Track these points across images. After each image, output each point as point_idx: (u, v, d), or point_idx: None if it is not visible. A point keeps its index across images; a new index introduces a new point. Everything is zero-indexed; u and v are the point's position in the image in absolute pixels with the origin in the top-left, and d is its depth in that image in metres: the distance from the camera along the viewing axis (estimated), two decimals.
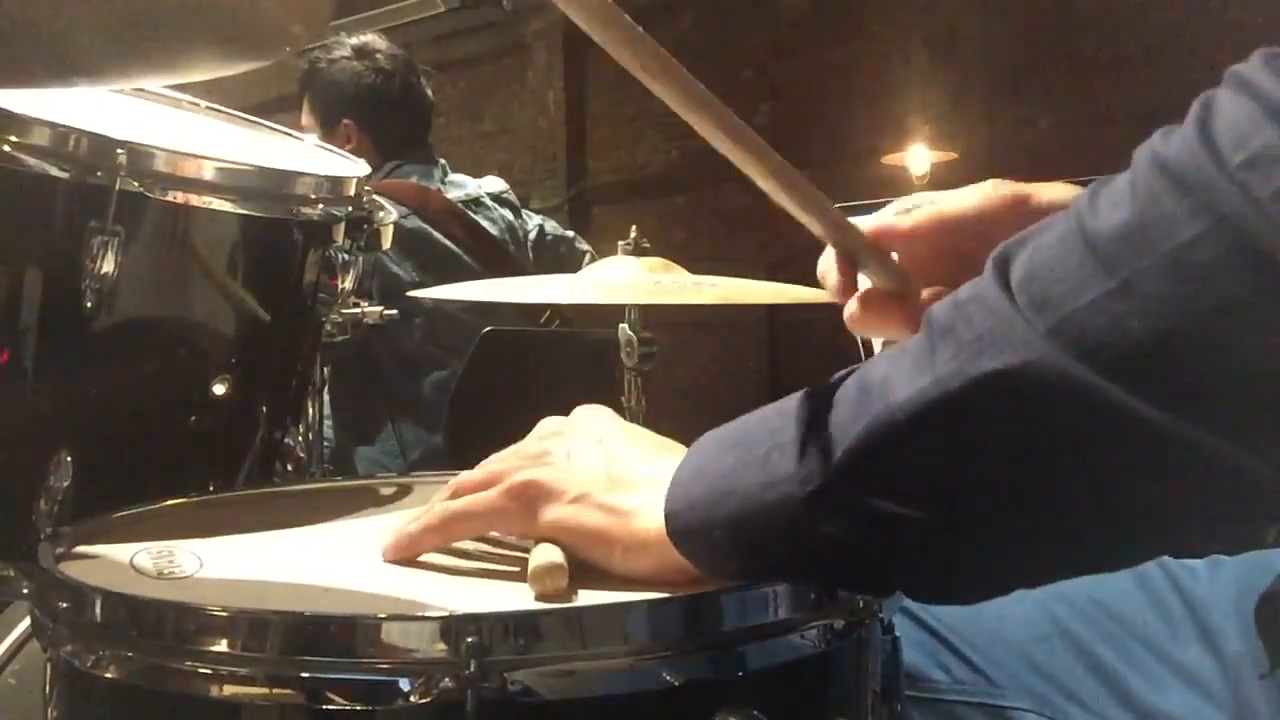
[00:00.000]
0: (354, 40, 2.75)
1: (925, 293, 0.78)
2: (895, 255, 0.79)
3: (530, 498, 0.73)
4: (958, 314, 0.58)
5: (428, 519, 0.77)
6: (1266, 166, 0.50)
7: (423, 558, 0.77)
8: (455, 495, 0.78)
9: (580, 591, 0.69)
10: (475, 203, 2.69)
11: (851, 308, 0.79)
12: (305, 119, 2.72)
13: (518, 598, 0.68)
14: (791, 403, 0.64)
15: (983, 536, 0.59)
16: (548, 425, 0.80)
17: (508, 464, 0.76)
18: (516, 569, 0.72)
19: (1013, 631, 0.90)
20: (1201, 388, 0.52)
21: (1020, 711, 0.87)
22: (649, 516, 0.68)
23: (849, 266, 0.79)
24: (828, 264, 0.80)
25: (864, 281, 0.80)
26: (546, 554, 0.70)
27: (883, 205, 0.83)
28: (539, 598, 0.68)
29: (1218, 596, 0.89)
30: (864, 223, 0.79)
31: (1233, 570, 0.90)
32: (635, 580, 0.69)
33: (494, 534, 0.78)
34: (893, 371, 0.59)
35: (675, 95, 0.66)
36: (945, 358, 0.57)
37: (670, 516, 0.67)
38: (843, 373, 0.63)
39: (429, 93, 2.80)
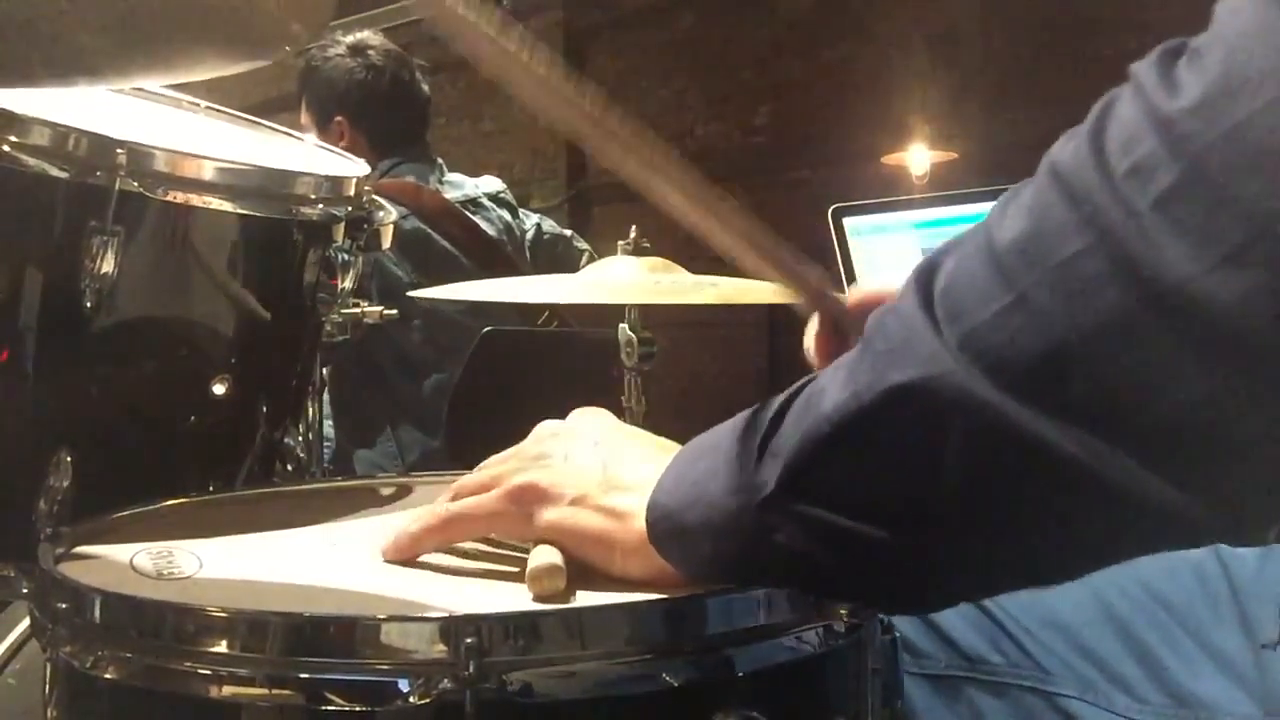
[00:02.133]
0: (349, 39, 2.74)
1: None
2: None
3: (528, 500, 0.73)
4: (878, 325, 0.59)
5: (427, 520, 0.77)
6: (1145, 176, 0.49)
7: (423, 558, 0.77)
8: (456, 498, 0.78)
9: (578, 593, 0.69)
10: (473, 203, 2.69)
11: (808, 342, 0.81)
12: (303, 118, 2.72)
13: (517, 598, 0.68)
14: (762, 410, 0.65)
15: (915, 546, 0.59)
16: (546, 428, 0.80)
17: (506, 467, 0.77)
18: (516, 570, 0.72)
19: (1065, 616, 0.91)
20: (1095, 405, 0.51)
21: (1068, 699, 0.88)
22: (642, 520, 0.69)
23: (831, 336, 0.80)
24: (812, 335, 0.81)
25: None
26: (544, 555, 0.70)
27: (883, 205, 0.84)
28: (537, 599, 0.68)
29: (1263, 586, 0.89)
30: (851, 293, 0.80)
31: (1278, 560, 0.91)
32: (633, 582, 0.69)
33: (493, 536, 0.78)
34: (829, 382, 0.60)
35: (664, 187, 0.67)
36: (864, 369, 0.58)
37: (651, 523, 0.68)
38: (806, 379, 0.64)
39: (425, 89, 2.78)
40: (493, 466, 0.78)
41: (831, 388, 0.59)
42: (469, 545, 0.78)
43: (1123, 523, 0.54)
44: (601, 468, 0.73)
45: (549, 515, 0.72)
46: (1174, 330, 0.49)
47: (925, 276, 0.58)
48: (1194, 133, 0.48)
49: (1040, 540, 0.57)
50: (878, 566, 0.61)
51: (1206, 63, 0.50)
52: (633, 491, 0.70)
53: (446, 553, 0.78)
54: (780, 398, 0.64)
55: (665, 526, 0.67)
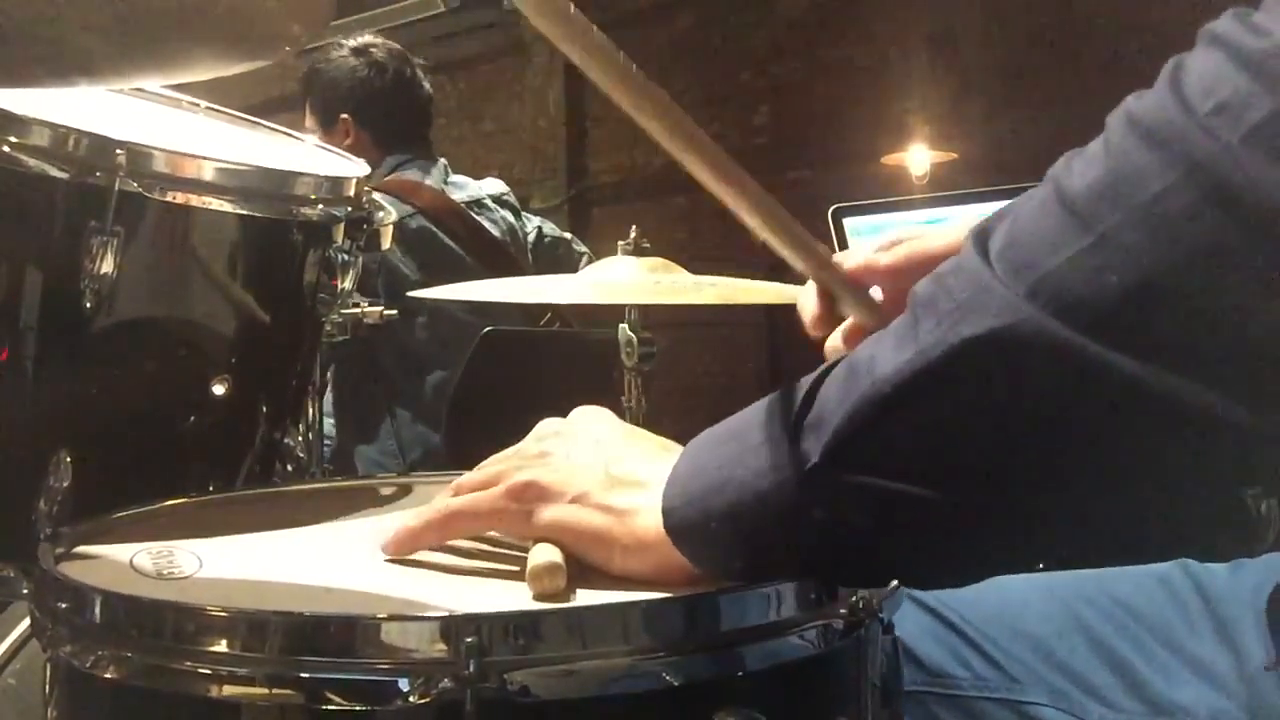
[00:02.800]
0: (353, 41, 2.77)
1: None
2: (878, 291, 0.79)
3: (529, 498, 0.73)
4: (938, 287, 0.58)
5: (428, 516, 0.77)
6: (1236, 110, 0.50)
7: (423, 558, 0.77)
8: (456, 495, 0.78)
9: (578, 591, 0.69)
10: (477, 204, 2.70)
11: (834, 342, 0.80)
12: (307, 120, 2.74)
13: (517, 598, 0.68)
14: (782, 394, 0.64)
15: (976, 508, 0.59)
16: (547, 426, 0.80)
17: (508, 464, 0.77)
18: (516, 569, 0.72)
19: (1033, 627, 0.90)
20: (1178, 337, 0.52)
21: (1039, 707, 0.88)
22: (647, 516, 0.68)
23: (828, 300, 0.80)
24: (808, 297, 0.81)
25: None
26: (545, 554, 0.70)
27: (883, 205, 0.84)
28: (537, 598, 0.68)
29: (1236, 592, 0.89)
30: (845, 259, 0.80)
31: (1252, 571, 0.90)
32: (633, 580, 0.69)
33: (493, 534, 0.78)
34: (878, 350, 0.59)
35: (661, 127, 0.66)
36: (927, 328, 0.57)
37: (668, 513, 0.67)
38: (830, 361, 0.64)
39: (426, 86, 2.80)
40: (494, 464, 0.78)
41: (882, 353, 0.59)
42: (469, 544, 0.78)
43: (1205, 452, 0.55)
44: (603, 466, 0.73)
45: (549, 513, 0.72)
46: (1273, 253, 0.50)
47: (980, 239, 0.58)
48: None
49: (1117, 489, 0.57)
50: (927, 532, 0.60)
51: None
52: (635, 489, 0.70)
53: (446, 552, 0.78)
54: (807, 380, 0.63)
55: (684, 516, 0.66)
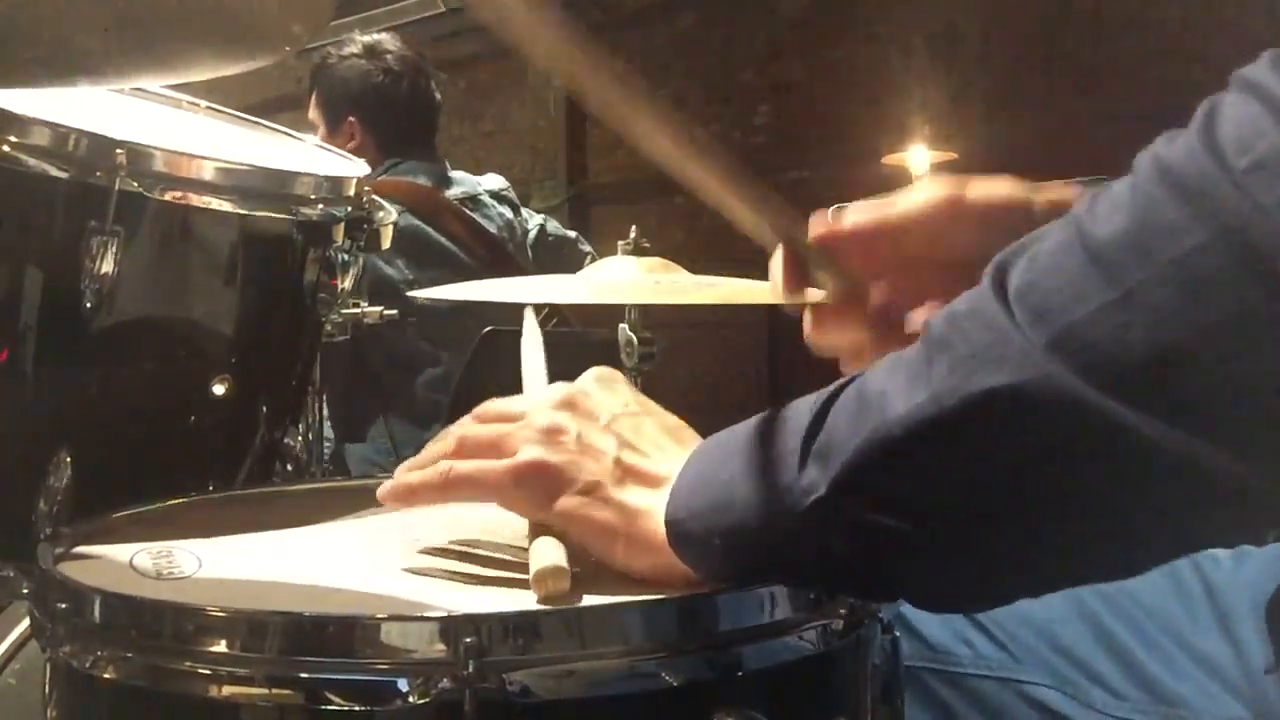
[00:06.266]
0: (366, 39, 2.75)
1: (875, 295, 0.78)
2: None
3: (540, 482, 0.72)
4: (954, 328, 0.57)
5: (429, 476, 0.75)
6: (1273, 171, 0.48)
7: (422, 559, 0.77)
8: (462, 448, 0.76)
9: (583, 594, 0.68)
10: (473, 200, 2.69)
11: (807, 326, 0.80)
12: (312, 113, 2.73)
13: (517, 598, 0.68)
14: (791, 412, 0.64)
15: (981, 552, 0.59)
16: (558, 392, 0.77)
17: (517, 432, 0.74)
18: (515, 569, 0.72)
19: (1036, 612, 0.91)
20: (1204, 402, 0.51)
21: (1039, 688, 0.88)
22: (655, 519, 0.68)
23: (797, 264, 0.79)
24: (776, 261, 0.80)
25: (814, 295, 0.80)
26: (549, 556, 0.69)
27: None
28: (542, 601, 0.67)
29: (1239, 587, 0.89)
30: (812, 226, 0.79)
31: (1255, 562, 0.91)
32: (633, 578, 0.69)
33: (488, 534, 0.78)
34: (890, 385, 0.58)
35: (616, 99, 0.66)
36: (941, 373, 0.56)
37: (671, 524, 0.67)
38: (842, 381, 0.63)
39: (438, 96, 2.80)
40: (503, 425, 0.76)
41: (894, 390, 0.58)
42: (468, 544, 0.78)
43: (1222, 518, 0.54)
44: (614, 452, 0.72)
45: (560, 502, 0.71)
46: None
47: (999, 276, 0.56)
48: None
49: (1126, 538, 0.56)
50: (937, 568, 0.60)
51: None
52: (645, 486, 0.70)
53: (446, 553, 0.78)
54: (814, 400, 0.63)
55: (688, 530, 0.66)
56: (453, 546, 0.78)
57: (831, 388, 0.63)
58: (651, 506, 0.69)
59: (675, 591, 0.67)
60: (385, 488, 0.77)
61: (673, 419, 0.76)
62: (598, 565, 0.71)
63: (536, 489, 0.72)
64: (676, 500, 0.67)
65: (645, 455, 0.72)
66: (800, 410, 0.63)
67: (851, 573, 0.63)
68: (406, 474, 0.77)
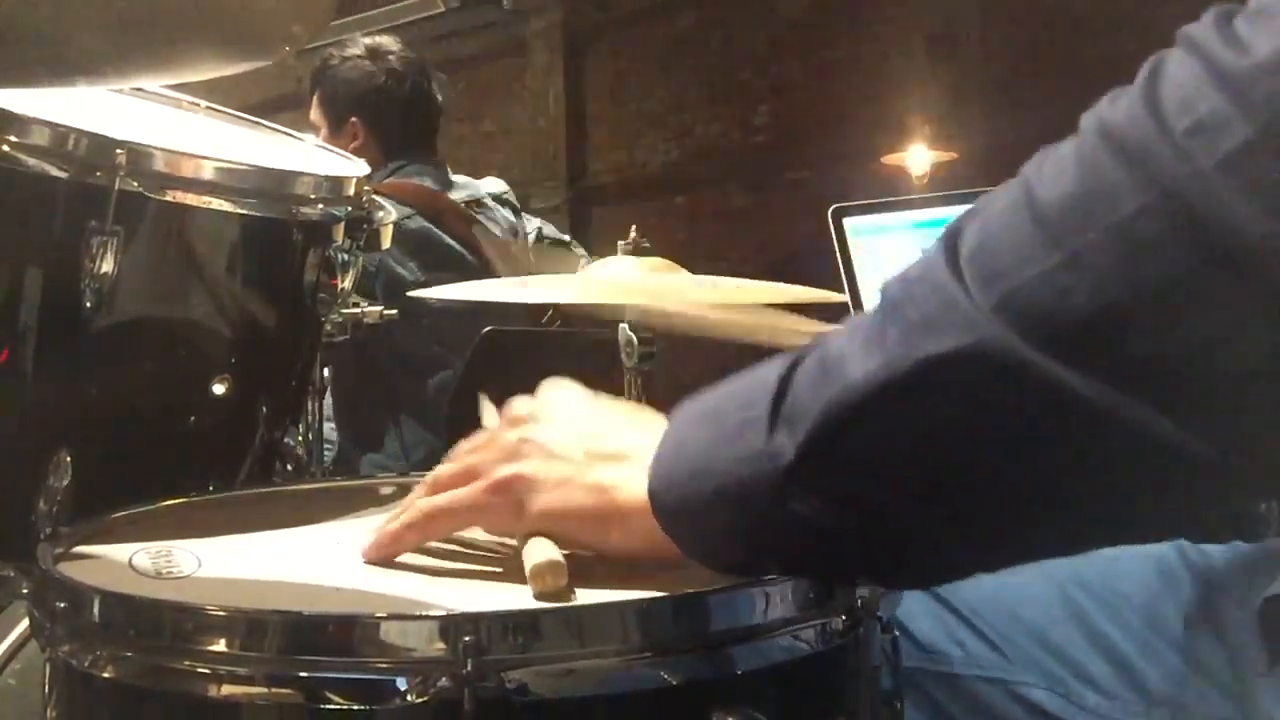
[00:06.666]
0: (368, 40, 2.75)
1: None
2: None
3: (516, 491, 0.73)
4: (906, 293, 0.58)
5: (409, 516, 0.76)
6: (1212, 134, 0.48)
7: (422, 557, 0.77)
8: (434, 490, 0.77)
9: (578, 589, 0.69)
10: (477, 203, 2.70)
11: None
12: (314, 114, 2.73)
13: (516, 596, 0.68)
14: (761, 372, 0.64)
15: (941, 517, 0.59)
16: (519, 409, 0.79)
17: (484, 457, 0.76)
18: (514, 567, 0.72)
19: (1029, 613, 0.91)
20: (1142, 364, 0.51)
21: (1032, 689, 0.88)
22: (633, 489, 0.68)
23: None
24: None
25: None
26: (543, 551, 0.70)
27: (883, 205, 0.84)
28: (539, 596, 0.68)
29: (1231, 589, 0.89)
30: None
31: (1248, 562, 0.91)
32: (628, 554, 0.70)
33: (479, 532, 0.78)
34: (848, 349, 0.59)
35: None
36: (894, 338, 0.57)
37: (655, 495, 0.67)
38: (809, 344, 0.63)
39: (439, 98, 2.80)
40: (469, 456, 0.77)
41: (851, 355, 0.58)
42: (466, 543, 0.78)
43: (1162, 483, 0.54)
44: (581, 446, 0.73)
45: (538, 503, 0.72)
46: (1243, 290, 0.49)
47: (951, 240, 0.57)
48: (1271, 91, 0.48)
49: (1078, 506, 0.57)
50: (894, 536, 0.60)
51: (1279, 22, 0.49)
52: (617, 461, 0.70)
53: (444, 553, 0.78)
54: (780, 362, 0.63)
55: (668, 501, 0.66)
56: (444, 545, 0.78)
57: (798, 351, 0.63)
58: (625, 479, 0.69)
59: (675, 569, 0.67)
60: (368, 546, 0.77)
61: (632, 405, 0.76)
62: (591, 561, 0.71)
63: (513, 500, 0.73)
64: (658, 469, 0.67)
65: (608, 438, 0.73)
66: (769, 373, 0.63)
67: (822, 544, 0.63)
68: (385, 525, 0.77)
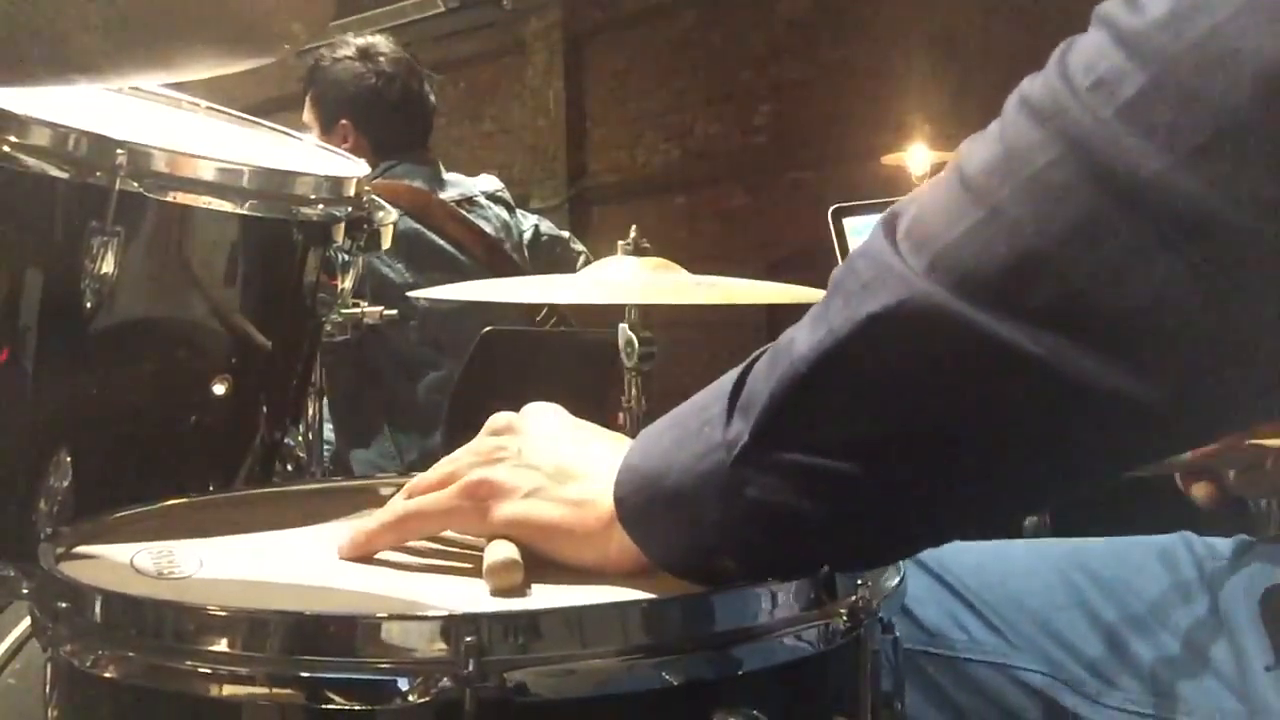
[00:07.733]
0: (360, 41, 2.75)
1: None
2: None
3: (484, 496, 0.73)
4: (848, 269, 0.61)
5: (384, 517, 0.77)
6: (1111, 86, 0.52)
7: (422, 557, 0.77)
8: (412, 494, 0.78)
9: (534, 586, 0.69)
10: (469, 201, 2.69)
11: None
12: (306, 115, 2.73)
13: (475, 594, 0.68)
14: (721, 381, 0.66)
15: (891, 481, 0.60)
16: (499, 421, 0.80)
17: (461, 463, 0.77)
18: (474, 566, 0.73)
19: (1033, 599, 0.91)
20: (1061, 308, 0.54)
21: (1033, 674, 0.89)
22: (601, 505, 0.69)
23: None
24: None
25: None
26: (500, 550, 0.70)
27: (883, 205, 0.84)
28: (494, 593, 0.68)
29: (1236, 582, 0.89)
30: None
31: (1255, 556, 0.91)
32: (590, 571, 0.70)
33: (451, 533, 0.78)
34: (797, 332, 0.61)
35: None
36: (837, 308, 0.59)
37: (619, 501, 0.68)
38: (764, 347, 0.65)
39: (431, 98, 2.80)
40: (447, 464, 0.79)
41: (800, 335, 0.61)
42: (466, 544, 0.79)
43: (1094, 424, 0.56)
44: (555, 461, 0.74)
45: (504, 510, 0.73)
46: (1143, 223, 0.51)
47: (889, 220, 0.60)
48: (1161, 43, 0.51)
49: (1026, 457, 0.58)
50: (854, 507, 0.62)
51: None
52: (588, 479, 0.71)
53: (444, 553, 0.78)
54: (739, 367, 0.65)
55: (634, 502, 0.67)
56: (446, 546, 0.79)
57: (754, 354, 0.65)
58: (595, 496, 0.70)
59: (639, 581, 0.67)
60: (344, 545, 0.78)
61: (613, 433, 0.77)
62: (551, 563, 0.72)
63: (483, 503, 0.74)
64: (623, 477, 0.69)
65: (582, 454, 0.74)
66: (728, 377, 0.65)
67: (783, 528, 0.63)
68: (362, 525, 0.78)
